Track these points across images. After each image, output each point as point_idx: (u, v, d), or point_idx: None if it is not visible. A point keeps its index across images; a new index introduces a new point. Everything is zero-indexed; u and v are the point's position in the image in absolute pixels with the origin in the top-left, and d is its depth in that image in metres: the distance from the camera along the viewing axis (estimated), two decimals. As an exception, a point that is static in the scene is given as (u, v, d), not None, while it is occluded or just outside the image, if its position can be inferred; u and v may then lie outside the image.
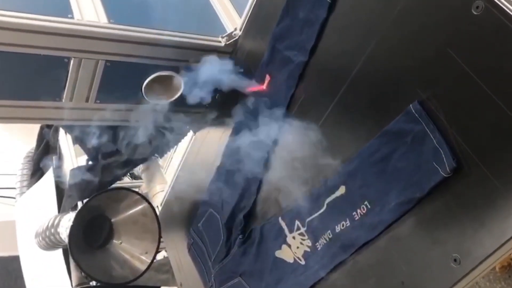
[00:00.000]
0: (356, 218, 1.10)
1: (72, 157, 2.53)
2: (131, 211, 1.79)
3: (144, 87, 1.49)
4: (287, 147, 1.33)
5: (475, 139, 0.89)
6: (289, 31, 1.30)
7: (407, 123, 0.98)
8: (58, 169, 2.55)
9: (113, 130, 2.00)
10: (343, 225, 1.13)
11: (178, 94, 1.55)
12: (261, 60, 1.41)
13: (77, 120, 1.56)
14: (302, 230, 1.24)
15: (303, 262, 1.25)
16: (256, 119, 1.39)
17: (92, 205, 1.76)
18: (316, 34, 1.21)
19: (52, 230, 1.88)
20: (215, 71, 1.43)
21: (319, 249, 1.20)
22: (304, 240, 1.24)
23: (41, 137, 2.73)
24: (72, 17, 1.31)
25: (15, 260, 2.74)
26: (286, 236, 1.30)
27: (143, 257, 1.77)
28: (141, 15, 1.48)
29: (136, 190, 2.73)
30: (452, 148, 0.91)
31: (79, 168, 2.29)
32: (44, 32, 1.26)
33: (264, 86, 1.39)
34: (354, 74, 1.12)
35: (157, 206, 2.12)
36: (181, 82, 1.52)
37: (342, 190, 1.14)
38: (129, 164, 2.24)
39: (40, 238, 1.99)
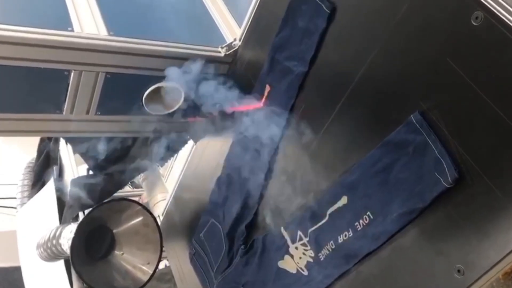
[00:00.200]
0: (359, 229, 1.09)
1: (73, 167, 2.53)
2: (132, 222, 1.79)
3: (145, 98, 1.49)
4: (288, 157, 1.33)
5: (477, 149, 0.88)
6: (289, 42, 1.30)
7: (408, 133, 0.98)
8: (59, 179, 2.55)
9: (114, 141, 2.00)
10: (345, 236, 1.12)
11: (179, 105, 1.55)
12: (261, 70, 1.41)
13: (78, 132, 1.56)
14: (305, 240, 1.24)
15: (306, 273, 1.25)
16: (257, 129, 1.39)
17: (94, 216, 1.76)
18: (316, 44, 1.21)
19: (54, 242, 1.88)
20: (211, 88, 1.43)
21: (322, 259, 1.19)
22: (306, 250, 1.24)
23: (41, 147, 2.73)
24: (72, 30, 1.32)
25: (16, 270, 2.73)
26: (288, 246, 1.30)
27: (145, 268, 1.77)
28: (141, 26, 1.48)
29: (137, 199, 2.75)
30: (454, 159, 0.90)
31: (80, 178, 2.29)
32: (44, 45, 1.26)
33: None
34: (354, 84, 1.12)
35: (158, 216, 2.11)
36: (181, 93, 1.52)
37: (344, 200, 1.13)
38: (129, 174, 2.23)
39: (42, 250, 1.98)
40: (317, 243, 1.20)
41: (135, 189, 2.91)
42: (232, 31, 1.58)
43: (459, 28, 0.90)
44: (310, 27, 1.22)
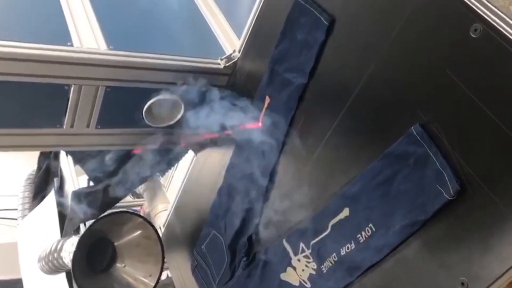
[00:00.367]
0: (361, 241, 1.09)
1: (73, 179, 2.53)
2: (134, 234, 1.79)
3: (145, 111, 1.50)
4: (289, 168, 1.33)
5: (478, 161, 0.88)
6: (288, 54, 1.30)
7: (409, 145, 0.98)
8: (60, 191, 2.54)
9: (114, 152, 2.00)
10: (348, 248, 1.12)
11: (179, 117, 1.56)
12: (261, 82, 1.41)
13: (78, 146, 1.56)
14: (307, 252, 1.24)
15: (308, 285, 1.24)
16: (257, 141, 1.39)
17: (95, 229, 1.76)
18: (315, 56, 1.21)
19: (55, 255, 1.87)
20: (211, 101, 1.44)
21: (324, 272, 1.19)
22: (309, 262, 1.23)
23: (42, 159, 2.73)
24: (72, 45, 1.32)
25: (18, 283, 2.72)
26: (291, 258, 1.29)
27: (147, 280, 1.76)
28: (140, 40, 1.49)
29: (138, 209, 2.74)
30: (455, 171, 0.90)
31: (80, 190, 2.28)
32: (44, 61, 1.27)
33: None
34: (354, 96, 1.12)
35: (160, 227, 2.11)
36: (181, 105, 1.53)
37: (346, 212, 1.13)
38: (130, 185, 2.23)
39: (43, 263, 1.98)
40: (319, 255, 1.20)
41: (136, 199, 2.91)
42: (231, 42, 1.59)
43: (458, 40, 0.90)
44: (309, 39, 1.22)
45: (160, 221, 2.25)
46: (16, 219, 2.84)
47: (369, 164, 1.07)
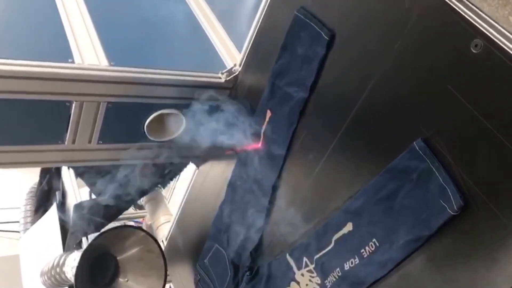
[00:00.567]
0: (365, 256, 1.09)
1: (75, 192, 2.53)
2: (136, 248, 1.78)
3: (146, 126, 1.50)
4: (291, 183, 1.33)
5: (481, 176, 0.88)
6: (289, 68, 1.31)
7: (412, 160, 0.98)
8: (62, 204, 2.54)
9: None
10: (352, 263, 1.12)
11: (180, 131, 1.56)
12: (262, 96, 1.42)
13: (80, 162, 1.56)
14: (311, 267, 1.23)
15: (312, 300, 1.24)
16: (259, 155, 1.39)
17: (98, 244, 1.75)
18: (316, 70, 1.21)
19: (58, 270, 1.87)
20: (212, 115, 1.44)
21: (328, 287, 1.18)
22: (313, 277, 1.23)
23: (44, 172, 2.73)
24: (73, 62, 1.32)
25: (20, 297, 2.71)
26: (294, 273, 1.29)
27: (150, 295, 1.76)
28: (141, 55, 1.49)
29: (140, 222, 2.74)
30: (459, 186, 0.90)
31: (82, 203, 2.28)
32: (46, 78, 1.27)
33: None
34: (356, 110, 1.12)
35: (162, 241, 2.11)
36: (182, 119, 1.53)
37: (349, 227, 1.13)
38: (132, 197, 2.23)
39: (46, 277, 1.97)
40: (323, 270, 1.19)
41: (138, 211, 2.91)
42: (232, 56, 1.59)
43: (458, 56, 0.90)
44: (310, 53, 1.22)
45: (163, 233, 2.25)
46: (18, 232, 2.83)
47: (371, 179, 1.07)
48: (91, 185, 2.30)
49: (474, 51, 0.87)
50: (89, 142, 1.47)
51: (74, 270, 1.69)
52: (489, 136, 0.86)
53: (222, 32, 1.67)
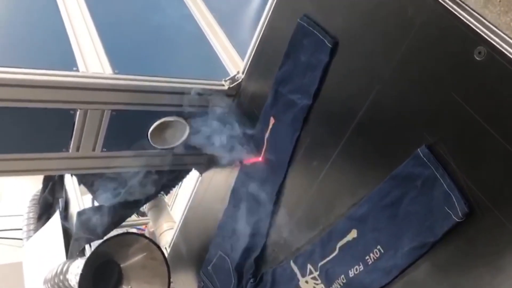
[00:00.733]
0: (370, 263, 1.09)
1: (78, 199, 2.53)
2: (140, 256, 1.78)
3: (150, 133, 1.50)
4: (295, 189, 1.33)
5: (486, 183, 0.88)
6: (292, 75, 1.31)
7: (416, 167, 0.98)
8: (65, 212, 2.54)
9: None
10: (356, 270, 1.12)
11: (183, 138, 1.56)
12: (265, 103, 1.42)
13: (84, 169, 1.57)
14: (315, 274, 1.23)
15: (317, 307, 1.24)
16: (263, 162, 1.40)
17: (101, 251, 1.75)
18: (319, 78, 1.22)
19: (61, 277, 1.87)
20: (215, 122, 1.45)
21: (333, 294, 1.18)
22: (317, 284, 1.23)
23: (47, 179, 2.73)
24: (77, 70, 1.33)
25: (23, 305, 2.70)
26: (298, 280, 1.29)
27: (153, 302, 1.76)
28: (145, 63, 1.50)
29: (143, 229, 2.74)
30: (463, 193, 0.90)
31: (85, 210, 2.28)
32: (50, 86, 1.27)
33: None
34: (360, 117, 1.13)
35: (165, 248, 2.10)
36: (186, 127, 1.53)
37: (353, 234, 1.13)
38: (135, 204, 2.23)
39: (49, 285, 1.97)
40: (327, 277, 1.19)
41: (140, 218, 2.91)
42: (235, 64, 1.60)
43: (462, 63, 0.90)
44: (313, 61, 1.23)
45: (165, 240, 2.25)
46: (21, 239, 2.83)
47: (375, 185, 1.07)
48: (94, 192, 2.30)
49: (477, 58, 0.88)
50: (93, 149, 1.47)
51: (77, 278, 1.69)
52: (493, 142, 0.86)
53: (225, 40, 1.68)
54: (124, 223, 2.41)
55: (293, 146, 1.31)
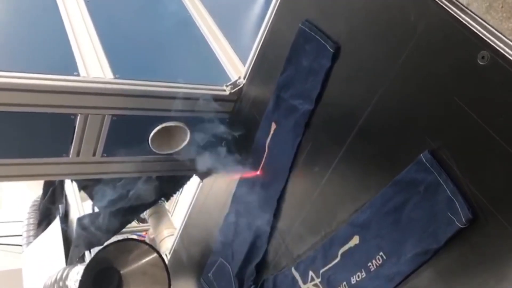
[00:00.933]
0: (372, 269, 1.07)
1: (79, 205, 2.52)
2: (140, 262, 1.77)
3: (151, 138, 1.50)
4: (297, 195, 1.32)
5: (490, 188, 0.87)
6: (294, 80, 1.31)
7: (419, 172, 0.97)
8: (65, 218, 2.54)
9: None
10: (358, 277, 1.10)
11: (184, 144, 1.56)
12: (266, 108, 1.41)
13: (84, 174, 1.56)
14: (317, 281, 1.22)
15: (319, 314, 1.22)
16: (264, 167, 1.39)
17: (101, 257, 1.74)
18: (321, 83, 1.21)
19: (61, 283, 1.86)
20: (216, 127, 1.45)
21: (335, 301, 1.17)
22: (319, 291, 1.22)
23: (47, 185, 2.73)
24: (78, 75, 1.32)
25: (22, 311, 2.69)
26: (300, 287, 1.27)
27: (153, 309, 1.74)
28: (146, 68, 1.49)
29: (143, 236, 2.73)
30: (467, 199, 0.89)
31: (85, 216, 2.28)
32: (51, 91, 1.27)
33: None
34: (362, 122, 1.12)
35: (166, 254, 2.09)
36: (187, 132, 1.53)
37: (355, 240, 1.12)
38: (135, 210, 2.22)
39: (48, 292, 1.96)
40: (329, 284, 1.18)
41: (141, 224, 2.90)
42: (236, 69, 1.59)
43: (465, 67, 0.90)
44: (315, 66, 1.23)
45: (166, 246, 2.24)
46: (21, 246, 2.82)
47: (378, 191, 1.06)
48: (94, 198, 2.30)
49: (481, 63, 0.87)
50: (94, 155, 1.47)
51: (77, 284, 1.68)
52: (497, 147, 0.85)
53: (226, 45, 1.68)
54: (124, 230, 2.40)
55: (295, 152, 1.31)
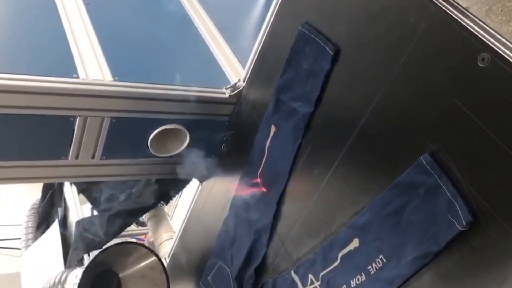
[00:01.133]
0: (372, 272, 1.07)
1: (78, 208, 2.52)
2: (139, 265, 1.76)
3: (150, 141, 1.49)
4: (296, 198, 1.32)
5: (490, 191, 0.87)
6: (293, 83, 1.31)
7: (419, 175, 0.96)
8: (64, 221, 2.53)
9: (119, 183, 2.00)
10: (358, 280, 1.10)
11: (184, 146, 1.55)
12: (266, 111, 1.41)
13: (83, 177, 1.56)
14: (316, 284, 1.21)
15: (318, 318, 1.22)
16: (264, 170, 1.38)
17: (99, 260, 1.73)
18: (321, 85, 1.21)
19: (59, 287, 1.85)
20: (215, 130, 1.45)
21: (334, 304, 1.16)
22: (318, 295, 1.21)
23: (46, 189, 2.72)
24: (78, 77, 1.32)
25: (21, 315, 2.68)
26: (299, 290, 1.27)
27: (152, 313, 1.73)
28: (146, 70, 1.49)
29: (142, 239, 2.72)
30: (467, 201, 0.89)
31: (84, 219, 2.27)
32: (50, 93, 1.27)
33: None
34: (362, 124, 1.12)
35: (165, 258, 2.08)
36: (186, 135, 1.53)
37: (355, 243, 1.11)
38: (135, 214, 2.22)
39: (47, 295, 1.95)
40: (329, 287, 1.17)
41: (140, 227, 2.89)
42: (236, 72, 1.59)
43: (465, 70, 0.89)
44: (315, 68, 1.22)
45: (165, 250, 2.23)
46: (19, 249, 2.82)
47: (378, 194, 1.05)
48: (93, 201, 2.29)
49: (481, 65, 0.87)
50: (93, 157, 1.46)
51: (76, 287, 1.67)
52: (497, 150, 0.85)
53: (226, 48, 1.68)
54: (123, 233, 2.39)
55: (294, 154, 1.30)
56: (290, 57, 1.31)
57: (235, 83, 1.54)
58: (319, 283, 1.21)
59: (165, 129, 1.49)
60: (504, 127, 0.84)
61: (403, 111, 1.03)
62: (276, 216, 1.36)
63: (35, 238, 2.66)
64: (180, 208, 2.82)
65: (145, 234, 2.79)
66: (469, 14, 0.91)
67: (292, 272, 1.29)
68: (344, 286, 1.13)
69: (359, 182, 1.15)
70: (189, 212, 1.86)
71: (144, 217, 2.63)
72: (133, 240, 2.67)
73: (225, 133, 1.59)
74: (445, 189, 0.91)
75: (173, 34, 1.73)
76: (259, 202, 1.41)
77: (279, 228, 1.36)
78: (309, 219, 1.26)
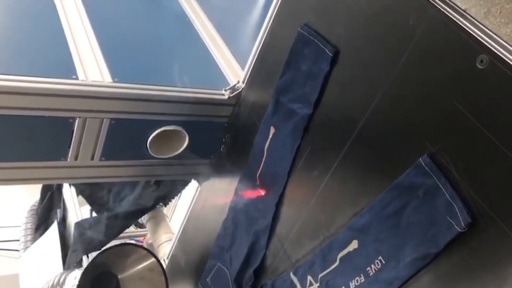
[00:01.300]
0: (371, 274, 1.07)
1: (76, 210, 2.52)
2: (138, 267, 1.76)
3: (149, 142, 1.49)
4: (295, 199, 1.32)
5: (489, 192, 0.87)
6: (292, 84, 1.31)
7: (418, 176, 0.97)
8: (63, 222, 2.53)
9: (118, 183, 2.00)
10: (357, 281, 1.10)
11: (183, 148, 1.55)
12: (265, 112, 1.41)
13: (82, 178, 1.56)
14: (315, 286, 1.21)
15: (317, 320, 1.21)
16: (263, 171, 1.38)
17: (98, 262, 1.73)
18: (320, 87, 1.21)
19: (58, 289, 1.85)
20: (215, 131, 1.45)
21: (333, 306, 1.16)
22: (317, 296, 1.21)
23: (45, 190, 2.72)
24: (77, 78, 1.32)
25: (19, 317, 2.67)
26: (298, 292, 1.27)
27: (151, 315, 1.73)
28: (145, 72, 1.49)
29: (141, 241, 2.72)
30: (466, 202, 0.89)
31: (83, 221, 2.27)
32: (49, 94, 1.27)
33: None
34: (361, 126, 1.12)
35: (163, 259, 2.08)
36: (185, 136, 1.53)
37: (354, 244, 1.11)
38: (134, 215, 2.22)
39: (45, 297, 1.95)
40: (328, 289, 1.17)
41: (138, 229, 2.89)
42: (235, 73, 1.59)
43: (464, 71, 0.90)
44: (314, 70, 1.22)
45: (164, 251, 2.23)
46: (18, 251, 2.81)
47: (377, 195, 1.05)
48: (92, 202, 2.29)
49: (479, 66, 0.87)
50: (92, 158, 1.46)
51: (74, 289, 1.67)
52: (496, 151, 0.85)
53: (225, 49, 1.68)
54: (122, 235, 2.39)
55: (294, 156, 1.30)
56: (289, 58, 1.31)
57: (234, 85, 1.54)
58: (318, 284, 1.21)
59: (164, 131, 1.49)
60: (503, 128, 0.84)
61: (402, 113, 1.03)
62: (275, 218, 1.36)
63: (34, 239, 2.66)
64: (179, 210, 2.82)
65: (144, 235, 2.79)
66: (468, 16, 0.91)
67: (291, 273, 1.29)
68: (343, 287, 1.13)
69: (358, 183, 1.15)
70: (188, 213, 1.86)
71: (143, 219, 2.62)
72: (132, 241, 2.67)
73: (224, 135, 1.59)
74: (444, 190, 0.92)
75: (172, 35, 1.74)
76: (258, 204, 1.41)
77: (278, 230, 1.36)
78: (308, 220, 1.26)
